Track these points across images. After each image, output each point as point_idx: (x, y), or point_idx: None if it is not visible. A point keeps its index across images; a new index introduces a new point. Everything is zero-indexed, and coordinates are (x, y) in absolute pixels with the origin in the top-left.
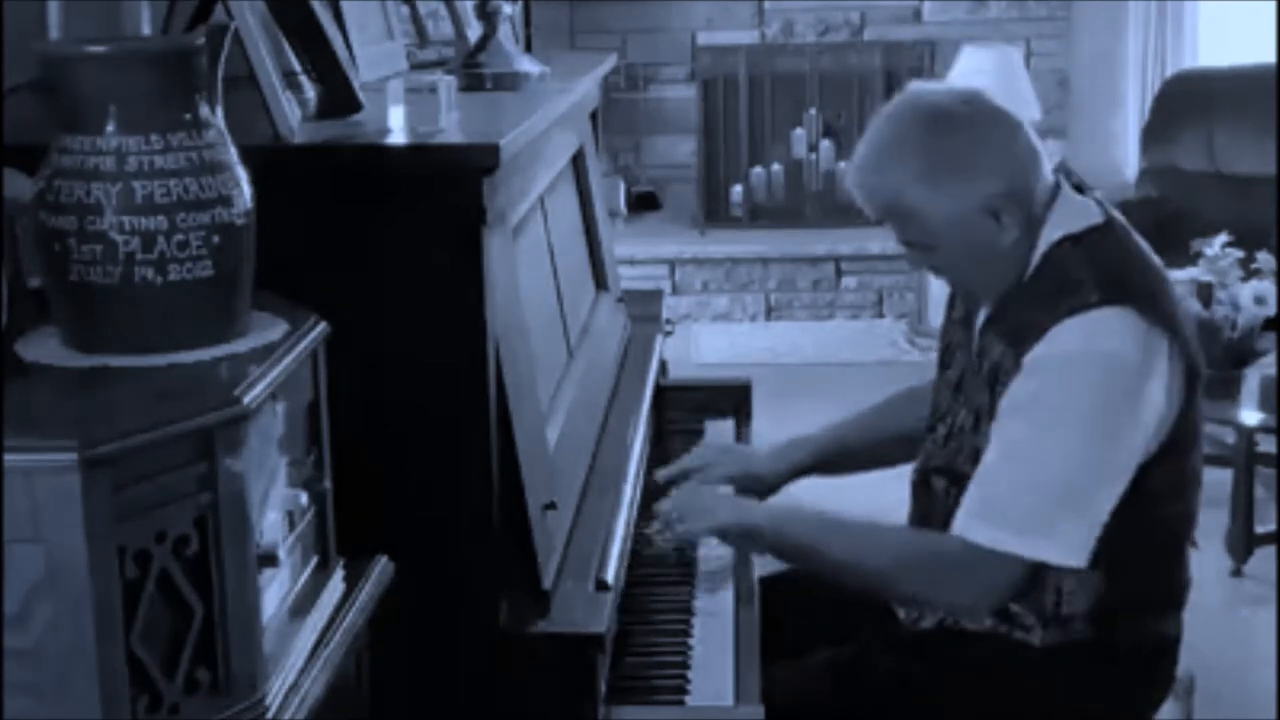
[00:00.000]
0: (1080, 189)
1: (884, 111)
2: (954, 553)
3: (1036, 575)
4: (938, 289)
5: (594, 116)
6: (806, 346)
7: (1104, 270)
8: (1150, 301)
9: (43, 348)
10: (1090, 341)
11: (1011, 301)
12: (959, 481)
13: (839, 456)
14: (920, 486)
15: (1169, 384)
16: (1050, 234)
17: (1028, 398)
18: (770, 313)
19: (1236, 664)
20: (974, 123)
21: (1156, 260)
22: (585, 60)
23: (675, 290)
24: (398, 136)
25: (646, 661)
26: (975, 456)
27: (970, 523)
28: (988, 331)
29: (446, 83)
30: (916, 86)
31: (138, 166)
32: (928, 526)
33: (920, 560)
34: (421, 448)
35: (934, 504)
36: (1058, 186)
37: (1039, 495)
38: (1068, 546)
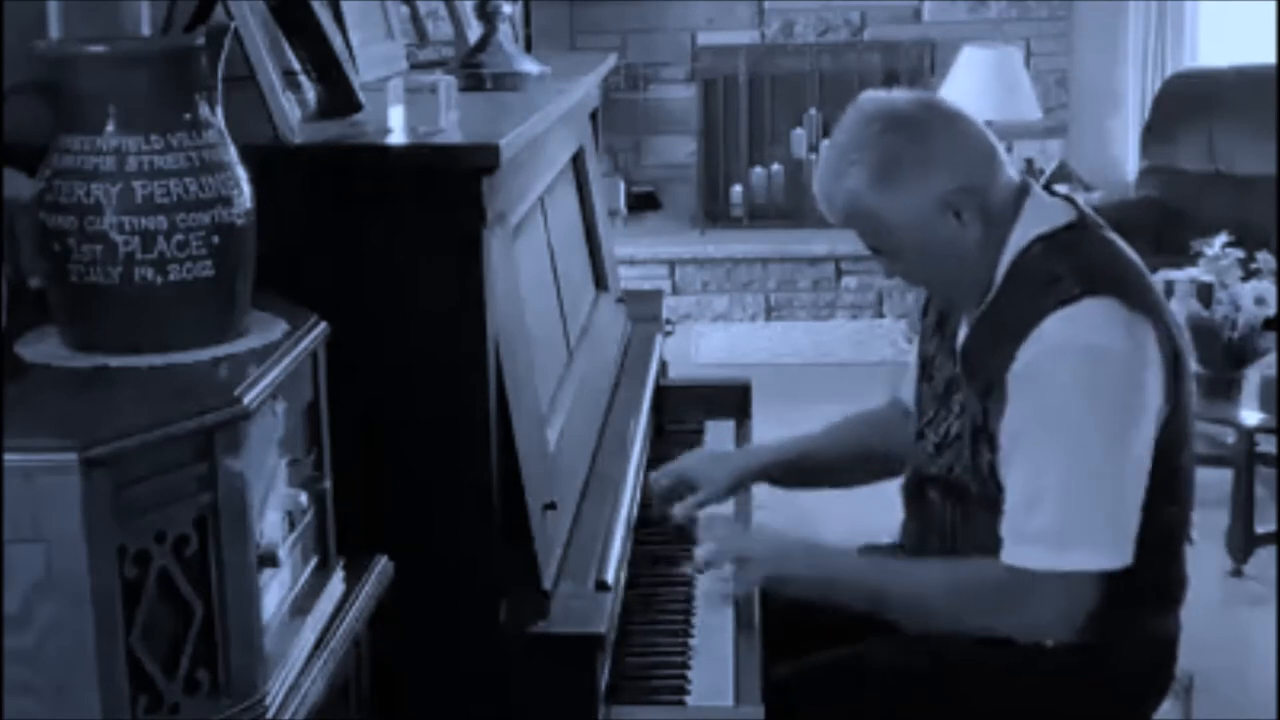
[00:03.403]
0: (1081, 189)
1: (840, 121)
2: (1007, 581)
3: (1101, 585)
4: None
5: (594, 116)
6: (806, 346)
7: (1080, 264)
8: (1130, 290)
9: (43, 348)
10: (1078, 337)
11: (991, 307)
12: (955, 493)
13: (790, 471)
14: (914, 496)
15: (1161, 370)
16: (1021, 236)
17: (1036, 414)
18: (770, 313)
19: (1236, 664)
20: (923, 121)
21: (1132, 254)
22: (585, 60)
23: (675, 290)
24: (398, 136)
25: (646, 661)
26: (975, 470)
27: (1019, 549)
28: (974, 341)
29: (446, 83)
30: (868, 93)
31: (138, 166)
32: (924, 536)
33: (978, 593)
34: (421, 448)
35: (930, 514)
36: (1026, 188)
37: (1079, 509)
38: (1113, 549)
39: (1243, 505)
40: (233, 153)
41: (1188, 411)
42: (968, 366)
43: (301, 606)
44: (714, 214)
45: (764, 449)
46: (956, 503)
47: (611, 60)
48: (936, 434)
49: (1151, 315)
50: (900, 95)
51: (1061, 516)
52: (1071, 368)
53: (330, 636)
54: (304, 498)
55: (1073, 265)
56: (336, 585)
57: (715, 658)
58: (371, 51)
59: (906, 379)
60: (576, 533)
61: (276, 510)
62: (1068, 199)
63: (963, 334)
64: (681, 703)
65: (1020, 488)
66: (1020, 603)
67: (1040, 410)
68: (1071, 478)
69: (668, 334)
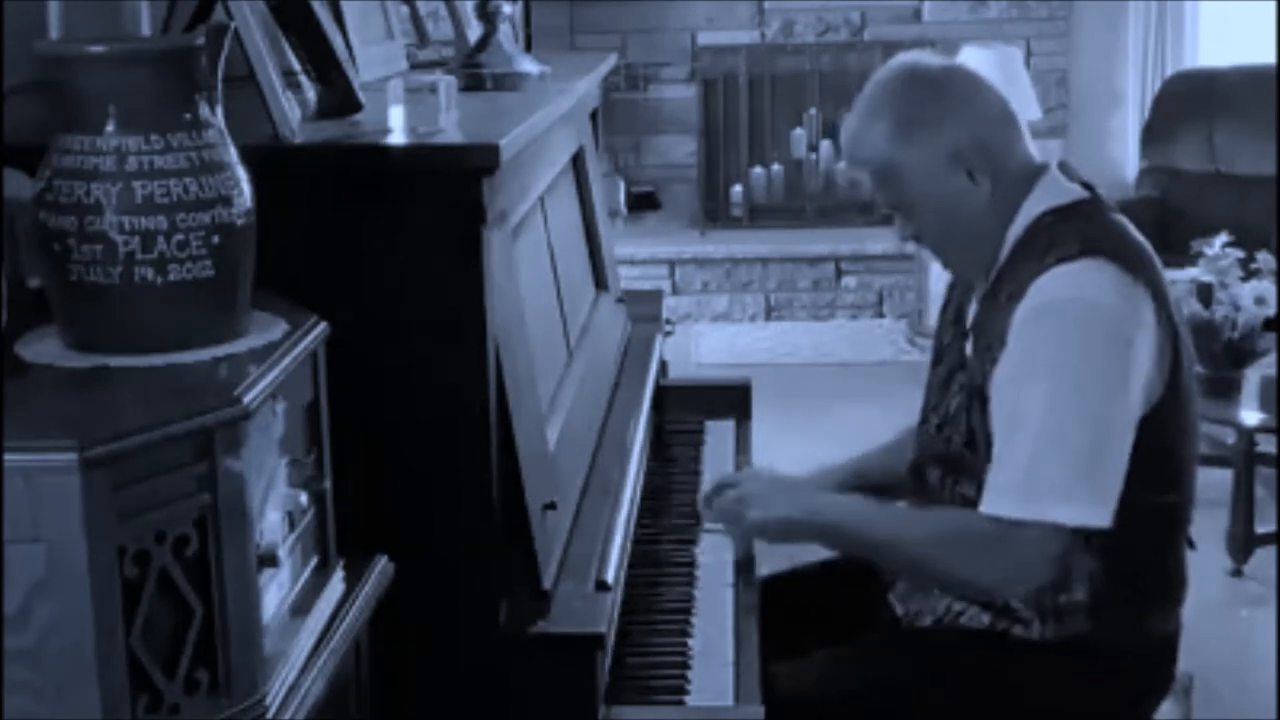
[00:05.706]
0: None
1: (869, 79)
2: (982, 530)
3: (1072, 544)
4: (937, 288)
5: (594, 116)
6: (806, 346)
7: (1085, 230)
8: (1131, 260)
9: (43, 348)
10: (1069, 290)
11: (999, 277)
12: (954, 468)
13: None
14: (915, 477)
15: (1156, 342)
16: (1033, 207)
17: (1021, 364)
18: (770, 313)
19: (1236, 664)
20: (944, 81)
21: (1140, 236)
22: (585, 60)
23: (675, 290)
24: (398, 136)
25: (646, 661)
26: (970, 437)
27: (993, 498)
28: (982, 311)
29: (446, 83)
30: (900, 55)
31: (138, 166)
32: None
33: (953, 539)
34: (421, 448)
35: (930, 494)
36: (1044, 168)
37: (1051, 459)
38: (1089, 506)
39: (1243, 505)
40: (233, 153)
41: (1187, 400)
42: (976, 336)
43: (301, 606)
44: (714, 214)
45: (824, 477)
46: (956, 479)
47: (611, 60)
48: (939, 415)
49: (1151, 289)
50: (928, 56)
51: (1032, 464)
52: (1060, 320)
53: (330, 636)
54: (304, 498)
55: (1077, 231)
56: (336, 585)
57: (715, 658)
58: (371, 51)
59: None
60: (576, 533)
61: (276, 510)
62: (1085, 185)
63: (973, 312)
64: (681, 703)
65: (1002, 439)
66: (991, 552)
67: (1024, 360)
68: (1045, 427)
69: (668, 334)
